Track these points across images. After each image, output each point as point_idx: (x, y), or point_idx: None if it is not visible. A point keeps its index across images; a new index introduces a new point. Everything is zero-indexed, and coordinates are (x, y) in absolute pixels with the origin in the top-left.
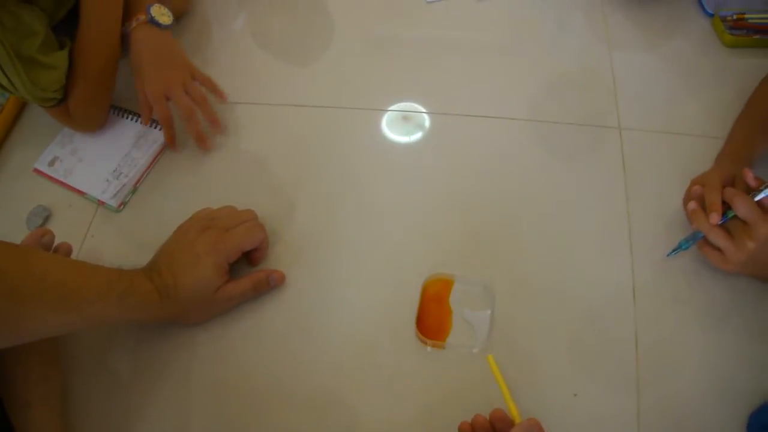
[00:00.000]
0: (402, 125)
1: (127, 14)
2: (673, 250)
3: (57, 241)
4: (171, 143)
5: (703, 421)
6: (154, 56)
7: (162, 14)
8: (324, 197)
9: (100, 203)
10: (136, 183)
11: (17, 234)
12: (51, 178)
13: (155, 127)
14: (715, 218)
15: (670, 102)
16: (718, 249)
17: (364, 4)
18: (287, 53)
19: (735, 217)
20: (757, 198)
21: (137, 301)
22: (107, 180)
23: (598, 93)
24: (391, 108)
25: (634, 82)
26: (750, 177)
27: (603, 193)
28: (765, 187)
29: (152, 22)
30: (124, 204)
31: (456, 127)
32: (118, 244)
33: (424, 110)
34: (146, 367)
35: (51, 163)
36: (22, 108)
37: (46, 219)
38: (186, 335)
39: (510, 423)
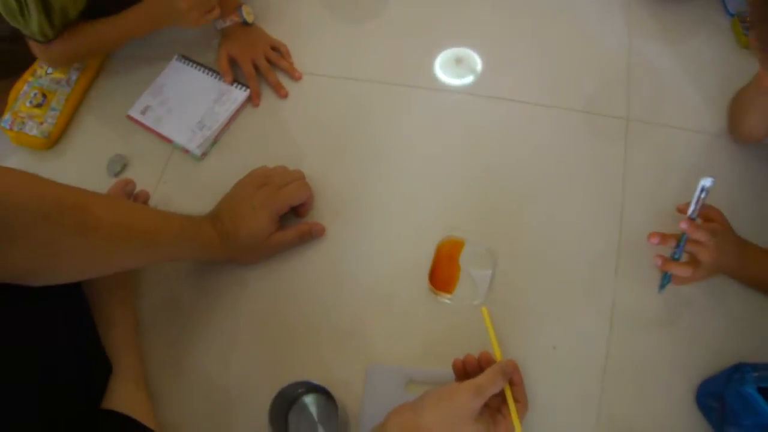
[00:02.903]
0: (433, 103)
1: (221, 12)
2: (662, 287)
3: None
4: (255, 96)
5: (661, 381)
6: (241, 41)
7: (248, 14)
8: (362, 164)
9: (185, 151)
10: (217, 136)
11: (99, 176)
12: (142, 125)
13: (237, 87)
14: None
15: (679, 97)
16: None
17: None
18: (339, 31)
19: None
20: (691, 215)
21: (203, 243)
22: (192, 130)
23: (613, 83)
24: (424, 87)
25: (648, 75)
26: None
27: (601, 179)
28: (693, 212)
29: (244, 23)
30: (206, 154)
31: (478, 108)
32: (185, 192)
33: (456, 91)
34: (203, 298)
35: (143, 112)
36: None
37: (124, 167)
38: (238, 273)
39: (493, 363)
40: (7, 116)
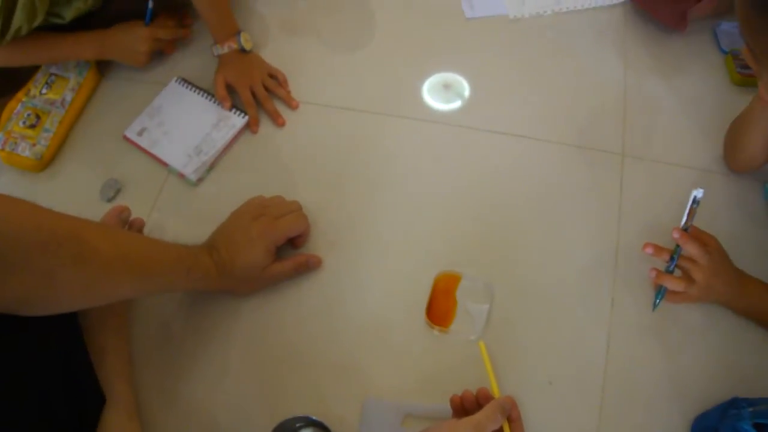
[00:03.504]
0: (429, 136)
1: (219, 38)
2: (655, 305)
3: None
4: (254, 123)
5: (656, 415)
6: (239, 68)
7: (247, 41)
8: (358, 196)
9: (181, 176)
10: (213, 162)
11: (92, 201)
12: (138, 147)
13: (235, 113)
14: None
15: (675, 134)
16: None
17: (407, 19)
18: (336, 61)
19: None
20: (683, 227)
21: (200, 274)
22: (189, 155)
23: (608, 119)
24: (420, 119)
25: (643, 111)
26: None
27: (597, 213)
28: (684, 223)
29: (242, 50)
30: (201, 180)
31: (473, 142)
32: (179, 218)
33: (454, 123)
34: (196, 328)
35: (140, 133)
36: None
37: (118, 192)
38: (232, 303)
39: (491, 399)
40: None
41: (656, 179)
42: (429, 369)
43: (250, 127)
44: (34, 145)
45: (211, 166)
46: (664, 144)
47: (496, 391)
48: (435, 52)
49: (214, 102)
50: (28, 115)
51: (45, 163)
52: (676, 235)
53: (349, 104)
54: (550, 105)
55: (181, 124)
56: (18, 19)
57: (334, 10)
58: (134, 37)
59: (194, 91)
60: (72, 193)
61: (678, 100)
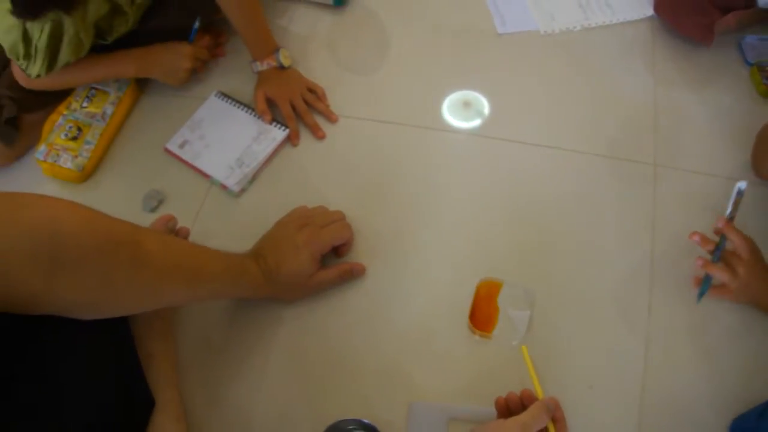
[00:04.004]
0: (465, 147)
1: (258, 55)
2: (700, 297)
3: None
4: (294, 136)
5: (694, 418)
6: (279, 83)
7: (286, 57)
8: (398, 206)
9: (223, 187)
10: (255, 174)
11: (133, 211)
12: (180, 159)
13: (276, 126)
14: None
15: (704, 144)
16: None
17: (440, 34)
18: (373, 76)
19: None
20: (728, 216)
21: (247, 281)
22: (231, 167)
23: (639, 130)
24: (461, 128)
25: (673, 122)
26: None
27: (631, 221)
28: (729, 213)
29: (281, 66)
30: (243, 191)
31: (509, 153)
32: (222, 228)
33: (490, 135)
34: (240, 335)
35: (181, 146)
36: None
37: (160, 202)
38: (275, 310)
39: (536, 400)
40: (42, 147)
41: (687, 188)
42: (472, 373)
43: (291, 140)
44: (75, 156)
45: (253, 178)
46: (694, 154)
47: (539, 393)
48: (469, 66)
49: (254, 116)
50: (70, 127)
51: (86, 174)
52: (720, 224)
53: (388, 118)
54: (582, 117)
55: (222, 137)
56: (65, 55)
57: (368, 27)
58: (177, 55)
59: (234, 105)
60: (113, 203)
61: (706, 111)
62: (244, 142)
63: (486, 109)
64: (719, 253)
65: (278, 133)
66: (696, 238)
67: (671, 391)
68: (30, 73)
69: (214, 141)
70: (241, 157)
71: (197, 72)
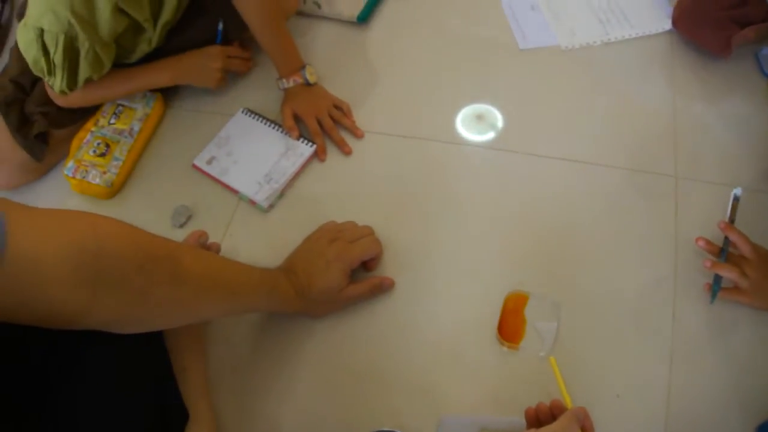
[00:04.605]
0: (491, 161)
1: (284, 73)
2: (714, 295)
3: None
4: (322, 152)
5: (719, 425)
6: (305, 99)
7: (311, 74)
8: (426, 220)
9: (252, 203)
10: (283, 189)
11: (162, 227)
12: (208, 175)
13: (303, 142)
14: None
15: (723, 155)
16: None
17: (461, 49)
18: (397, 92)
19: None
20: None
21: (280, 296)
22: (259, 183)
23: (660, 142)
24: (485, 143)
25: (693, 134)
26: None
27: (655, 232)
28: (728, 216)
29: (307, 83)
30: (272, 206)
31: (532, 167)
32: (251, 243)
33: (514, 149)
34: (270, 347)
35: (209, 162)
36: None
37: (189, 218)
38: (306, 325)
39: (565, 410)
40: (70, 164)
41: (708, 198)
42: (501, 384)
43: (318, 155)
44: (104, 173)
45: (281, 194)
46: (714, 164)
47: (569, 403)
48: (491, 81)
49: (281, 132)
50: (98, 144)
51: (115, 190)
52: (722, 225)
53: (412, 133)
54: (604, 130)
55: (249, 153)
56: (84, 71)
57: (391, 43)
58: (207, 57)
59: (261, 122)
60: (142, 219)
61: (725, 122)
62: (272, 158)
63: (506, 123)
64: (725, 254)
65: (305, 149)
66: (701, 243)
67: (696, 399)
68: (54, 89)
69: (242, 157)
70: (269, 173)
71: (239, 72)
